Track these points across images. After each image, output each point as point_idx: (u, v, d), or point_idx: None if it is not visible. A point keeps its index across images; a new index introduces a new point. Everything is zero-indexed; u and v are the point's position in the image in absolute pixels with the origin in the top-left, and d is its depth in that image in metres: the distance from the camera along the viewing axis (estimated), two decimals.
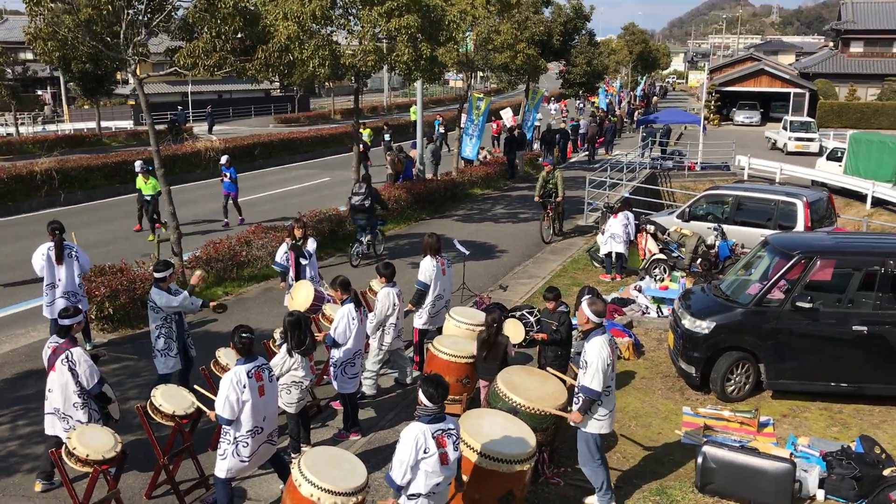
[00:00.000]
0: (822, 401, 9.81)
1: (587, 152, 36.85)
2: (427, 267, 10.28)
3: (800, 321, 9.55)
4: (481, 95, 27.21)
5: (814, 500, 7.60)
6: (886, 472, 7.65)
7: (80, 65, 37.07)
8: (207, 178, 28.30)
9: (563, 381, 8.09)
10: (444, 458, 5.74)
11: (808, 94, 56.05)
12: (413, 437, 5.67)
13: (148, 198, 18.22)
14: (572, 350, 9.36)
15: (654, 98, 66.63)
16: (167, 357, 8.83)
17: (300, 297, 10.07)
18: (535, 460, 7.01)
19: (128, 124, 48.97)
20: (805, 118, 45.71)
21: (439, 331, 10.37)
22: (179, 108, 51.50)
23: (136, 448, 8.15)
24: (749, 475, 7.41)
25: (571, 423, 7.20)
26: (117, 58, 13.09)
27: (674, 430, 9.06)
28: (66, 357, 7.18)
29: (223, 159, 19.90)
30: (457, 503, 6.55)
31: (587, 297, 7.62)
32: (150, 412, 7.41)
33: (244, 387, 6.59)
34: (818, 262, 9.82)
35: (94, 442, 6.72)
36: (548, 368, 8.57)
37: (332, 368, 8.70)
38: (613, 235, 15.39)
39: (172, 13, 12.93)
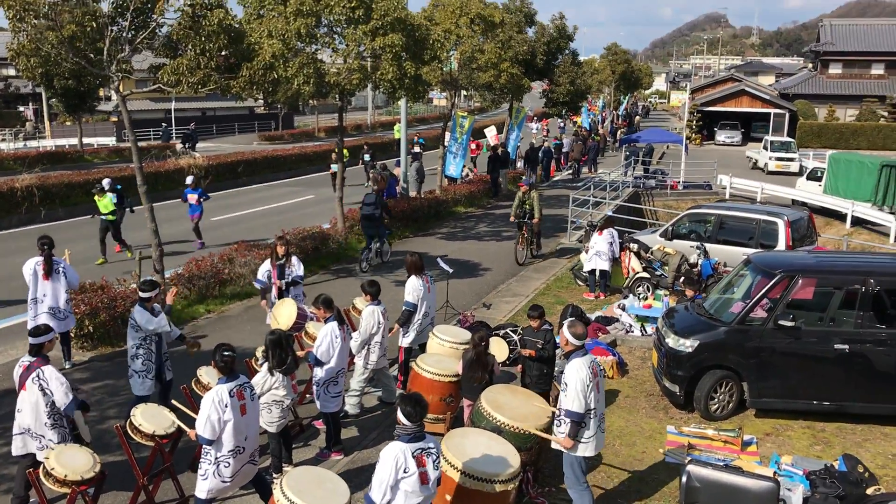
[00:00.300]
0: (805, 419, 9.84)
1: (570, 171, 37.05)
2: (414, 286, 10.24)
3: (782, 339, 9.59)
4: (465, 114, 27.36)
5: None
6: (870, 491, 7.67)
7: (63, 81, 36.95)
8: None
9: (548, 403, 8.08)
10: (423, 478, 5.69)
11: (788, 115, 56.74)
12: (392, 457, 5.63)
13: (106, 217, 17.70)
14: (556, 368, 9.34)
15: (637, 117, 67.18)
16: (144, 379, 8.69)
17: (283, 315, 10.02)
18: (520, 480, 6.97)
19: (110, 141, 48.73)
20: (785, 138, 46.24)
21: (422, 348, 10.34)
22: (163, 124, 51.36)
23: (116, 468, 8.03)
24: (733, 494, 7.39)
25: (563, 450, 7.14)
26: (100, 74, 13.04)
27: (658, 449, 9.04)
28: (38, 376, 7.04)
29: (188, 180, 19.40)
30: None
31: (568, 319, 7.60)
32: (129, 432, 7.31)
33: (226, 406, 6.51)
34: (800, 281, 9.89)
35: (72, 462, 6.62)
36: (536, 405, 8.49)
37: (314, 387, 8.63)
38: (599, 253, 15.42)
39: (157, 30, 12.89)
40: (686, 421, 9.83)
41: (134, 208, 18.82)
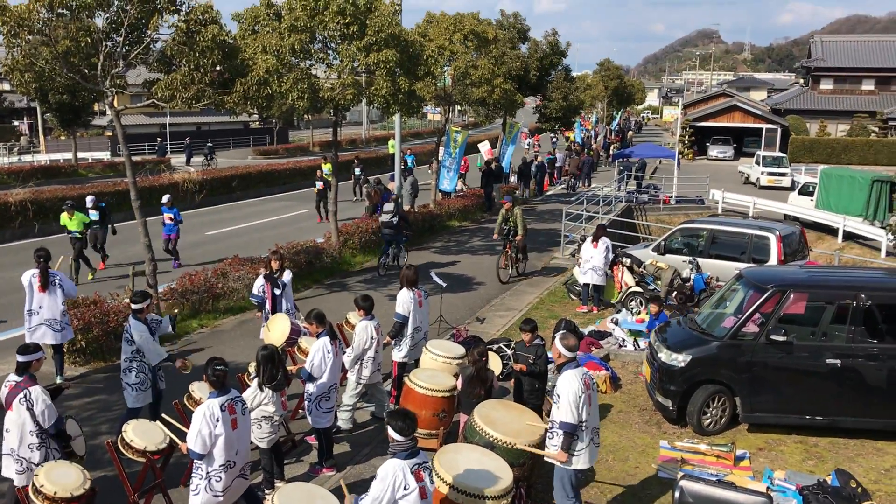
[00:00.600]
0: (797, 434, 9.83)
1: (564, 185, 37.14)
2: (404, 299, 10.24)
3: (774, 354, 9.60)
4: (459, 129, 27.42)
5: None
6: None
7: (58, 96, 36.99)
8: (184, 209, 28.13)
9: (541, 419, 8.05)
10: (423, 493, 5.67)
11: (779, 130, 57.02)
12: (391, 475, 5.58)
13: (78, 234, 17.18)
14: (549, 383, 9.32)
15: (630, 133, 67.48)
16: (139, 391, 8.68)
17: (276, 329, 10.01)
18: (513, 496, 6.94)
19: (105, 155, 48.70)
20: (777, 153, 46.49)
21: (416, 363, 10.31)
22: (158, 139, 51.39)
23: (106, 485, 7.97)
24: None
25: (557, 464, 7.10)
26: (95, 89, 13.05)
27: (651, 463, 9.02)
28: (25, 396, 6.92)
29: (164, 198, 18.77)
30: None
31: (560, 332, 7.59)
32: (120, 448, 7.26)
33: (217, 420, 6.48)
34: (791, 296, 9.90)
35: (62, 479, 6.56)
36: (528, 423, 8.45)
37: (306, 402, 8.59)
38: (595, 268, 15.41)
39: (151, 45, 12.92)
40: (679, 436, 9.82)
41: (115, 229, 18.56)
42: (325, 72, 17.30)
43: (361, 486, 8.10)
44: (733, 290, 11.02)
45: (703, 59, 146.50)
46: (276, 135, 63.05)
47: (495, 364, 9.62)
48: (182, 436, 6.89)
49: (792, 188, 35.56)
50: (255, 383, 7.67)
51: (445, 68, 23.10)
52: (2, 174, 34.12)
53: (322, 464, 8.67)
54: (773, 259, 15.26)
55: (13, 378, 7.09)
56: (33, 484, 6.47)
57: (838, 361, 9.46)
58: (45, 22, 12.01)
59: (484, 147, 34.30)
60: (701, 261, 15.91)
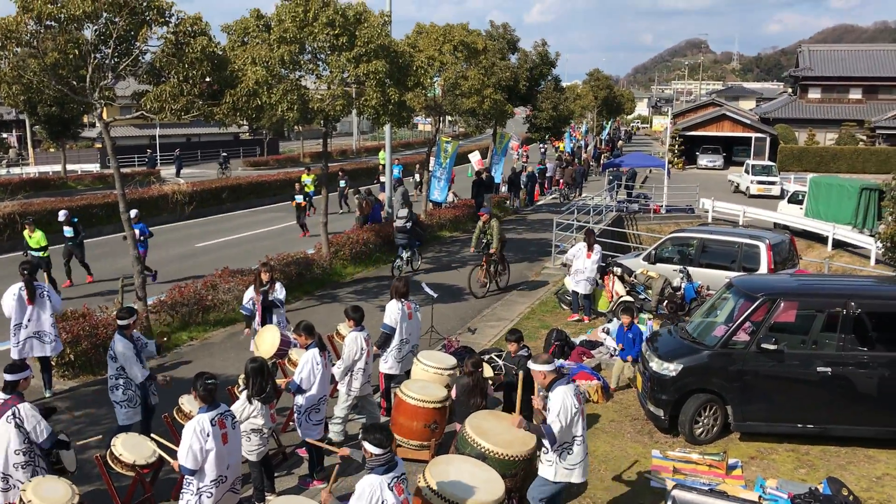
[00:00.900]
0: (789, 442, 9.84)
1: (554, 195, 37.21)
2: (392, 310, 10.23)
3: (765, 363, 9.61)
4: (449, 139, 27.47)
5: None
6: None
7: (46, 108, 36.85)
8: (174, 221, 28.14)
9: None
10: None
11: (768, 139, 57.36)
12: (369, 492, 5.51)
13: (38, 253, 16.33)
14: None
15: (620, 142, 67.72)
16: (128, 408, 8.60)
17: (266, 342, 9.97)
18: None
19: (94, 167, 48.55)
20: (766, 162, 46.69)
21: (408, 375, 10.28)
22: (148, 150, 51.27)
23: (96, 499, 7.90)
24: None
25: (545, 478, 7.06)
26: (83, 101, 13.02)
27: (643, 473, 9.01)
28: (13, 414, 6.80)
29: (132, 213, 17.33)
30: None
31: (533, 358, 7.47)
32: (109, 462, 7.20)
33: (208, 435, 6.44)
34: (782, 304, 9.93)
35: (50, 494, 6.50)
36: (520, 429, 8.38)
37: (296, 415, 8.56)
38: (589, 279, 15.42)
39: (140, 57, 12.90)
40: (671, 445, 9.81)
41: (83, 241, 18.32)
42: (314, 83, 17.32)
43: None
44: (724, 299, 11.04)
45: (692, 69, 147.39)
46: (266, 146, 62.99)
47: (486, 375, 9.61)
48: (173, 453, 6.84)
49: (781, 197, 35.75)
50: (243, 396, 7.64)
51: (435, 79, 23.17)
52: None
53: (312, 476, 8.62)
54: (764, 267, 15.32)
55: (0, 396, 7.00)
56: (21, 499, 6.41)
57: (829, 369, 9.49)
58: (32, 34, 11.98)
59: (474, 157, 34.34)
60: (691, 270, 15.95)
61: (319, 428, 8.53)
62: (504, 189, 34.49)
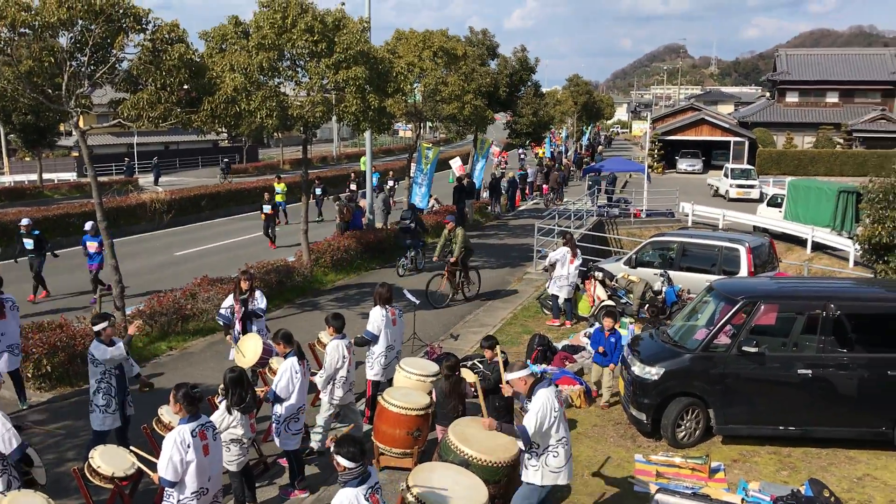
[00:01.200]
0: (771, 445, 9.90)
1: (536, 201, 37.31)
2: (376, 317, 10.20)
3: (746, 366, 9.67)
4: (430, 145, 27.46)
5: None
6: None
7: (21, 116, 36.53)
8: (153, 229, 27.94)
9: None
10: None
11: (747, 143, 57.84)
12: None
13: None
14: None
15: (600, 147, 68.08)
16: (105, 414, 8.52)
17: (248, 350, 9.92)
18: None
19: (71, 176, 48.14)
20: (745, 166, 47.10)
21: (390, 383, 10.26)
22: (126, 159, 50.88)
23: None
24: None
25: (528, 482, 7.04)
26: (59, 110, 12.91)
27: (626, 478, 9.03)
28: None
29: (87, 226, 17.10)
30: None
31: (508, 368, 7.46)
32: (87, 474, 7.11)
33: (188, 447, 6.38)
34: (762, 307, 10.00)
35: None
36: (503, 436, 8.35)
37: (274, 425, 8.50)
38: (572, 283, 15.44)
39: (116, 65, 12.81)
40: (654, 449, 9.84)
41: (56, 252, 18.12)
42: (293, 89, 17.27)
43: None
44: (704, 303, 11.11)
45: (671, 74, 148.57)
46: (245, 153, 62.71)
47: (468, 379, 9.59)
48: (152, 465, 6.77)
49: (760, 200, 36.03)
50: (222, 406, 7.58)
51: (415, 85, 23.19)
52: None
53: (294, 486, 8.57)
54: (744, 270, 15.42)
55: None
56: None
57: (809, 371, 9.56)
58: (6, 41, 11.86)
59: (455, 163, 34.38)
60: (672, 273, 16.03)
61: (298, 437, 8.47)
62: (485, 195, 34.56)
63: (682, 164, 57.38)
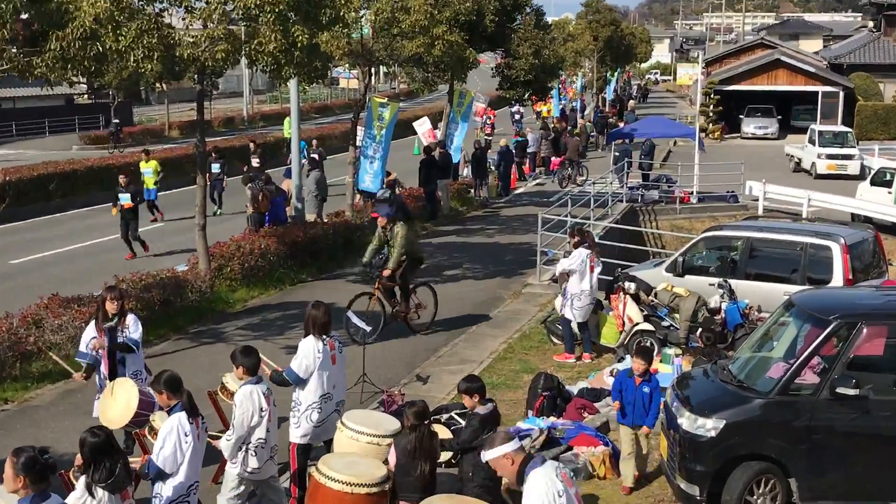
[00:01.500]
0: None
1: (539, 180, 37.45)
2: (307, 351, 10.13)
3: (843, 415, 9.71)
4: (385, 101, 27.42)
5: None
6: None
7: None
8: None
9: None
10: None
11: (842, 94, 58.03)
12: None
13: None
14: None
15: (631, 102, 68.58)
16: None
17: (118, 404, 9.83)
18: None
19: None
20: (840, 127, 47.45)
21: (328, 446, 10.24)
22: None
23: None
24: None
25: None
26: None
27: None
28: None
29: None
30: None
31: (488, 443, 7.39)
32: None
33: None
34: (865, 330, 10.04)
35: None
36: None
37: None
38: (593, 302, 15.51)
39: None
40: None
41: None
42: (184, 19, 17.19)
43: None
44: (782, 325, 11.17)
45: None
46: (114, 113, 62.19)
47: (442, 434, 9.59)
48: None
49: (862, 177, 36.38)
50: (81, 484, 7.49)
51: (363, 12, 23.16)
52: None
53: None
54: (838, 278, 15.54)
55: None
56: None
57: None
58: None
59: (423, 127, 34.42)
60: (735, 283, 16.11)
61: None
62: (466, 172, 34.56)
63: (750, 127, 57.76)
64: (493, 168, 34.55)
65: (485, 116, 46.35)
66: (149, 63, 15.69)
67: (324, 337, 10.28)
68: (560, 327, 16.13)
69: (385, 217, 17.00)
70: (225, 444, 9.21)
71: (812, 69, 59.97)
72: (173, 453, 8.22)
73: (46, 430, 12.70)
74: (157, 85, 24.37)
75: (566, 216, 23.96)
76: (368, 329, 13.95)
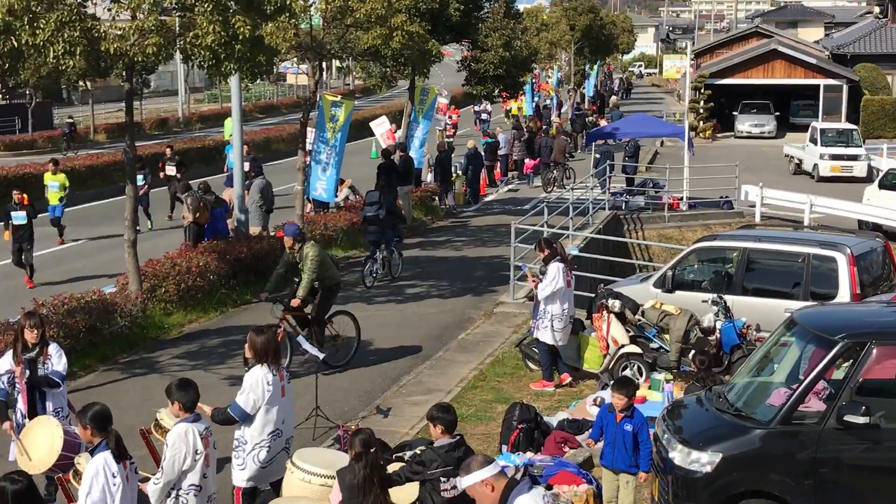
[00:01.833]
0: None
1: (511, 185, 37.51)
2: (255, 383, 10.06)
3: (852, 446, 9.75)
4: (339, 98, 27.37)
5: None
6: None
7: None
8: None
9: None
10: None
11: (846, 88, 58.50)
12: None
13: None
14: None
15: (613, 98, 68.80)
16: None
17: (40, 445, 9.74)
18: None
19: None
20: (844, 125, 47.83)
21: (276, 489, 10.20)
22: None
23: None
24: None
25: None
26: None
27: None
28: None
29: None
30: None
31: (464, 468, 7.35)
32: None
33: None
34: (875, 351, 10.09)
35: None
36: None
37: None
38: (572, 321, 15.53)
39: None
40: None
41: None
42: (110, 10, 17.12)
43: None
44: (783, 346, 11.21)
45: None
46: (31, 115, 61.76)
47: (407, 488, 9.52)
48: None
49: (869, 179, 36.68)
50: None
51: (312, 0, 23.13)
52: None
53: None
54: (845, 292, 15.63)
55: None
56: None
57: None
58: None
59: (381, 127, 34.41)
60: (731, 299, 16.17)
61: None
62: (430, 178, 34.56)
63: (744, 124, 58.10)
64: (459, 173, 34.57)
65: (447, 115, 46.09)
66: (70, 59, 15.61)
67: (272, 367, 10.22)
68: (537, 351, 16.12)
69: (291, 237, 16.39)
70: (152, 489, 9.11)
71: (813, 60, 60.24)
72: (102, 498, 8.13)
73: None
74: (81, 83, 24.24)
75: (542, 226, 24.00)
76: (321, 356, 13.89)
